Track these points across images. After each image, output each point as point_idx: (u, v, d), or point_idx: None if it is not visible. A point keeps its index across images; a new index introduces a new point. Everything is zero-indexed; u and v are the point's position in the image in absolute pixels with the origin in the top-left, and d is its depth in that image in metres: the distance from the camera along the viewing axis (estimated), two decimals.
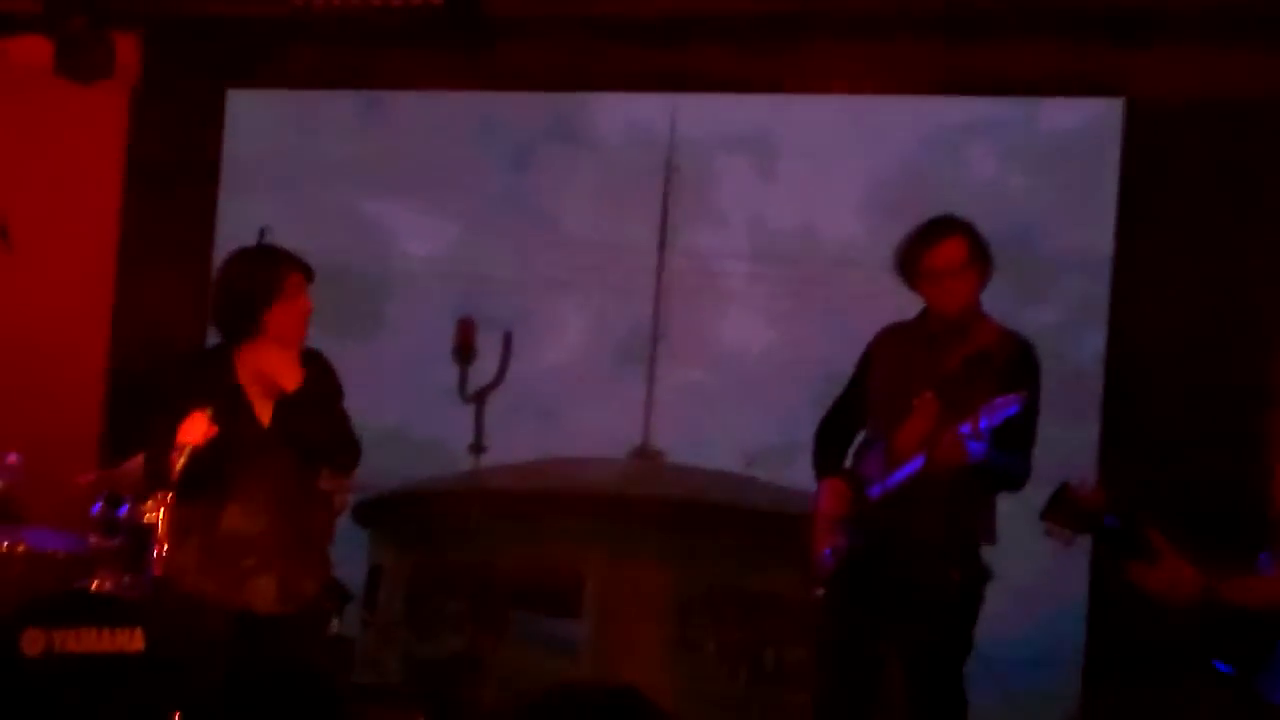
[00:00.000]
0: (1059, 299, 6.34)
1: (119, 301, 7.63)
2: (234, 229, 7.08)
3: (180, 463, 4.73)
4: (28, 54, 7.31)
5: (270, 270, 4.93)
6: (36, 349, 7.24)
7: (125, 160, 7.75)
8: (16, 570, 6.04)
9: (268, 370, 4.97)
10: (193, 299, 6.37)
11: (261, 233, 6.00)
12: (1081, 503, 4.16)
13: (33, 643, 5.62)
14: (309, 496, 5.05)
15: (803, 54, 6.73)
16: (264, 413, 4.96)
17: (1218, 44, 6.06)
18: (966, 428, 4.63)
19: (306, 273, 5.00)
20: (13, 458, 6.32)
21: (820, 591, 5.12)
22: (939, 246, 4.96)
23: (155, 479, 4.99)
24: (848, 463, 5.19)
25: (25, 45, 7.32)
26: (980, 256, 4.98)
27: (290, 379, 4.98)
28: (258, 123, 7.85)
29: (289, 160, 7.73)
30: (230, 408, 4.85)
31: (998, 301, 5.10)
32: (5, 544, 6.09)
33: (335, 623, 6.52)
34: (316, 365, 5.11)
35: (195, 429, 4.72)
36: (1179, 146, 6.18)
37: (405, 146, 7.61)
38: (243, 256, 5.08)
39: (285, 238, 6.19)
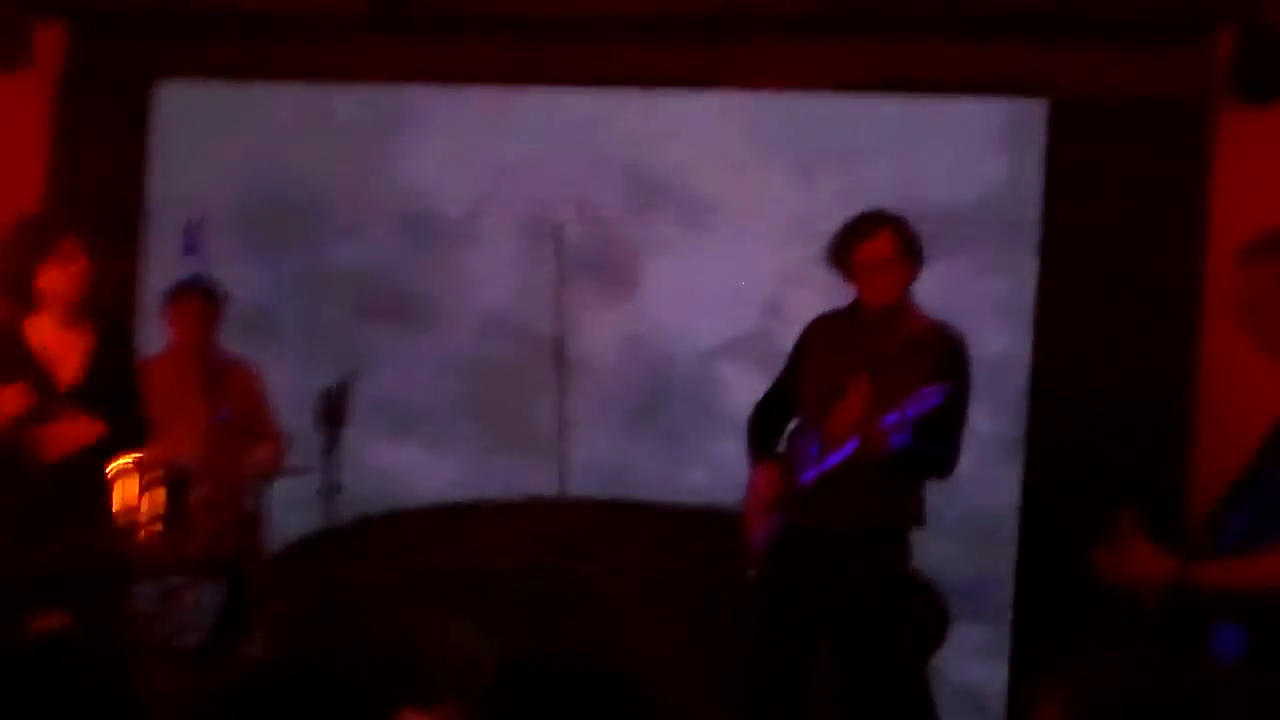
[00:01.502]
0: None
1: None
2: (162, 222, 7.26)
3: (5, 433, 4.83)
4: None
5: (42, 232, 5.05)
6: None
7: (50, 151, 7.60)
8: None
9: (57, 335, 5.05)
10: (118, 289, 6.35)
11: (192, 224, 6.08)
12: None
13: None
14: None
15: (739, 51, 6.74)
16: (64, 374, 5.03)
17: (1128, 47, 6.24)
18: (892, 418, 4.74)
19: (78, 236, 5.07)
20: None
21: (753, 573, 5.25)
22: (868, 241, 5.06)
23: None
24: (782, 446, 5.28)
25: None
26: (910, 250, 5.08)
27: (75, 344, 5.08)
28: (190, 115, 7.79)
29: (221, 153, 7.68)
30: (31, 372, 4.94)
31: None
32: None
33: None
34: (110, 332, 5.21)
35: (12, 399, 4.82)
36: (1100, 145, 6.31)
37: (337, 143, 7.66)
38: (20, 223, 5.20)
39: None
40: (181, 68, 7.67)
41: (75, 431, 4.95)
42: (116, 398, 5.09)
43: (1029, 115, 6.53)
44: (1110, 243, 6.27)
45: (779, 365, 5.47)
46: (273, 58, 7.45)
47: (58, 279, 4.97)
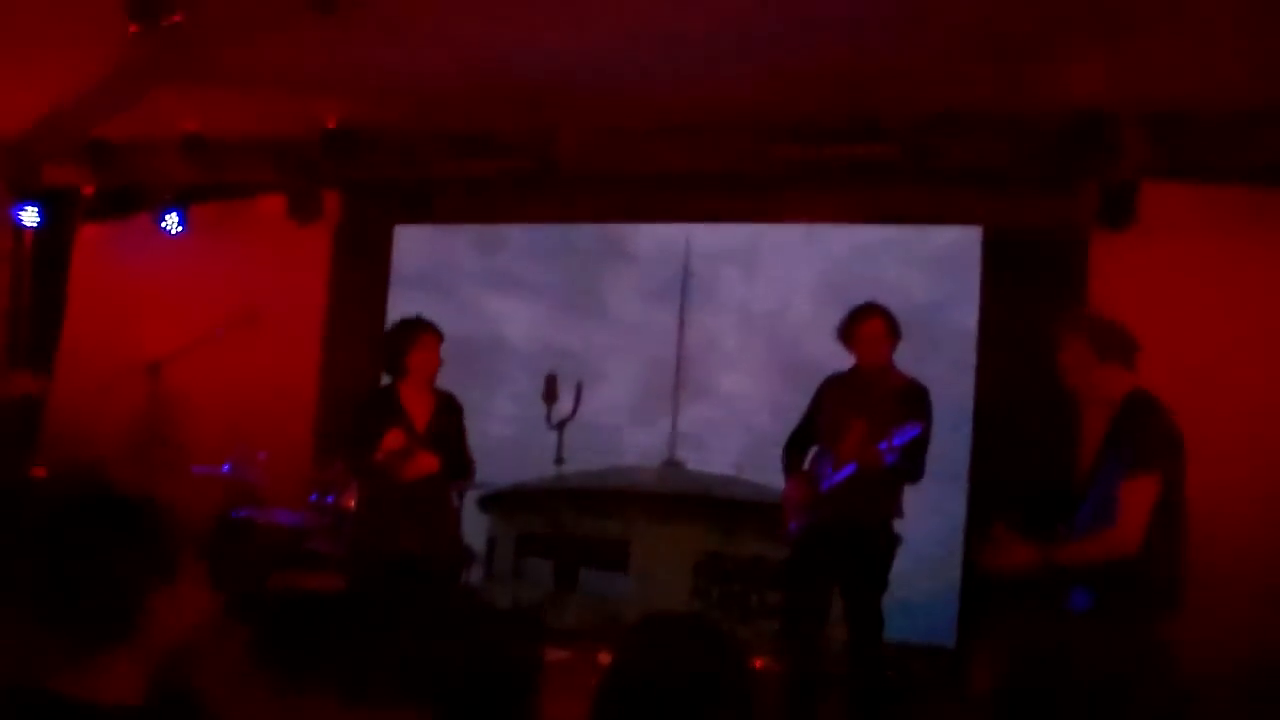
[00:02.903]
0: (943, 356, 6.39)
1: (325, 360, 7.66)
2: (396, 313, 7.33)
3: (386, 460, 4.87)
4: (269, 205, 7.40)
5: (410, 329, 5.10)
6: (275, 392, 7.30)
7: (330, 271, 7.80)
8: (266, 537, 6.21)
9: (415, 398, 5.09)
10: (369, 359, 6.46)
11: (416, 318, 6.14)
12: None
13: (277, 583, 5.79)
14: (445, 483, 5.16)
15: (772, 197, 6.77)
16: (419, 425, 5.06)
17: (1036, 191, 6.20)
18: (884, 445, 4.70)
19: (436, 334, 5.13)
20: (262, 455, 6.46)
21: (789, 554, 5.22)
22: (866, 323, 5.04)
23: (360, 472, 5.16)
24: (806, 466, 5.23)
25: (269, 201, 7.41)
26: (894, 329, 5.05)
27: (426, 405, 5.09)
28: (415, 247, 7.97)
29: (436, 271, 7.83)
30: (400, 421, 4.97)
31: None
32: (258, 519, 6.28)
33: (465, 574, 6.62)
34: (447, 400, 5.22)
35: (396, 440, 4.88)
36: (1017, 260, 6.28)
37: (510, 262, 7.77)
38: (397, 323, 5.25)
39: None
40: (409, 216, 7.84)
41: (425, 463, 4.97)
42: (450, 443, 5.12)
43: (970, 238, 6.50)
44: (1026, 319, 6.14)
45: None
46: (469, 207, 7.57)
47: (420, 360, 5.05)
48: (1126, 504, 3.62)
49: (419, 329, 5.11)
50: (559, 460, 6.80)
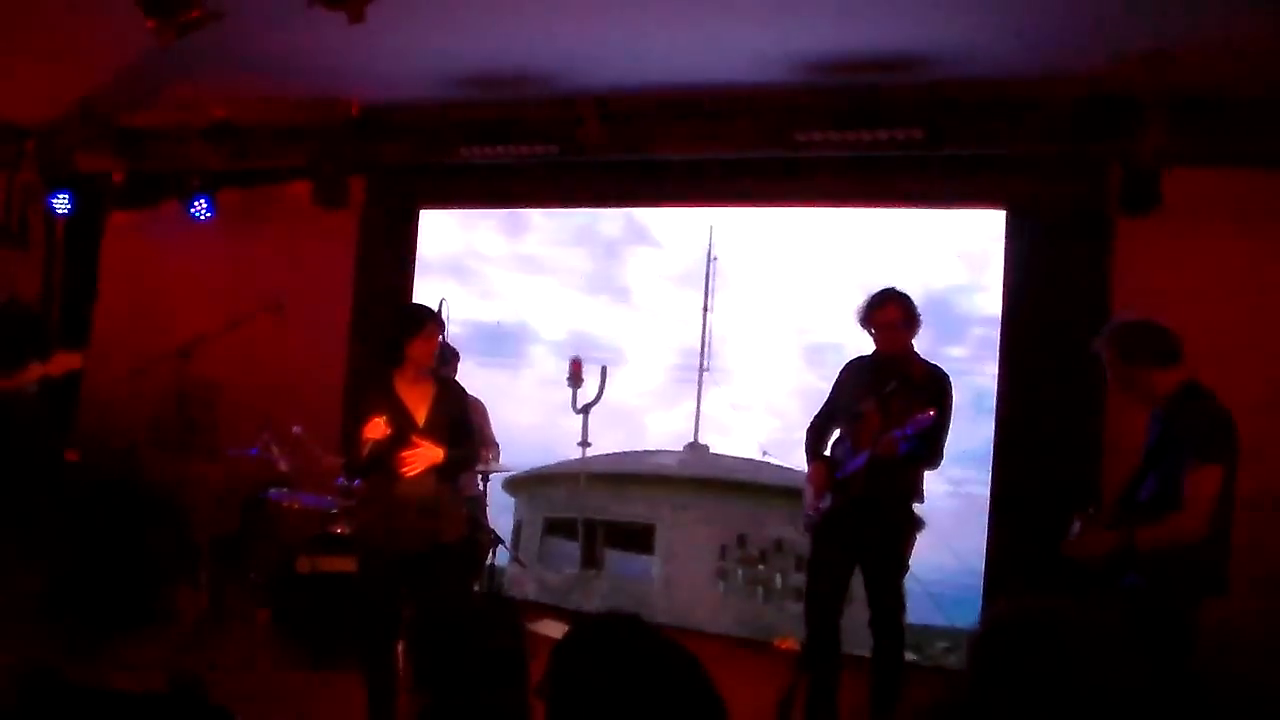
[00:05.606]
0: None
1: (352, 343, 7.69)
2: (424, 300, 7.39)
3: (366, 450, 4.66)
4: (296, 191, 7.48)
5: (415, 317, 4.86)
6: (303, 376, 7.38)
7: (357, 256, 7.84)
8: (295, 519, 6.31)
9: (413, 387, 4.86)
10: None
11: (441, 302, 6.17)
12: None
13: (303, 565, 5.86)
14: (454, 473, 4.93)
15: (796, 180, 6.69)
16: (419, 415, 4.81)
17: (1061, 174, 6.16)
18: (899, 432, 4.71)
19: (439, 323, 4.93)
20: (298, 429, 6.54)
21: (809, 537, 5.22)
22: (884, 308, 5.01)
23: (354, 471, 5.02)
24: (827, 451, 5.21)
25: (295, 187, 7.50)
26: (912, 315, 5.02)
27: (425, 395, 4.86)
28: (439, 230, 8.02)
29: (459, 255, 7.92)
30: (397, 412, 4.74)
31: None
32: (288, 503, 6.36)
33: (492, 555, 6.68)
34: (446, 385, 5.00)
35: (376, 428, 4.63)
36: (1043, 241, 6.25)
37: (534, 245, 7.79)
38: (399, 309, 5.09)
39: (458, 308, 6.41)
40: (434, 200, 7.89)
41: (426, 455, 4.75)
42: (454, 434, 4.89)
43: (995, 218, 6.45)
44: (1049, 299, 6.13)
45: None
46: (493, 190, 7.58)
47: (421, 349, 4.79)
48: (1194, 492, 3.76)
49: (425, 317, 4.90)
50: (584, 444, 6.79)
